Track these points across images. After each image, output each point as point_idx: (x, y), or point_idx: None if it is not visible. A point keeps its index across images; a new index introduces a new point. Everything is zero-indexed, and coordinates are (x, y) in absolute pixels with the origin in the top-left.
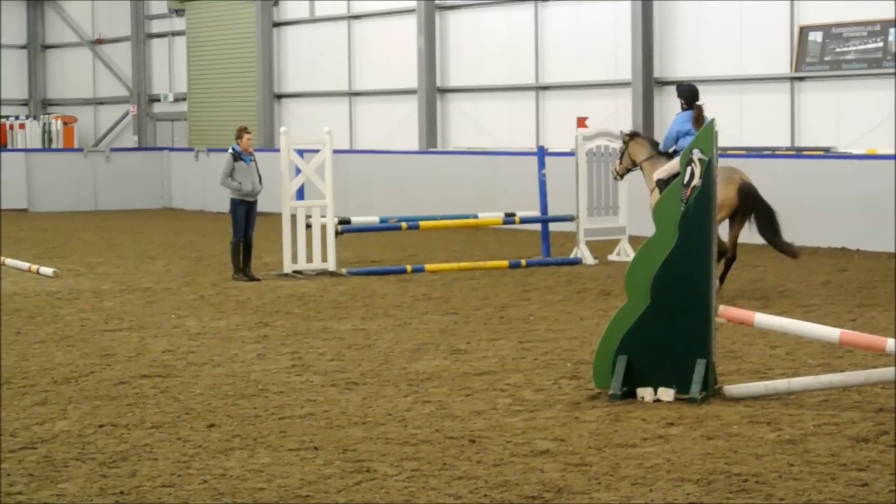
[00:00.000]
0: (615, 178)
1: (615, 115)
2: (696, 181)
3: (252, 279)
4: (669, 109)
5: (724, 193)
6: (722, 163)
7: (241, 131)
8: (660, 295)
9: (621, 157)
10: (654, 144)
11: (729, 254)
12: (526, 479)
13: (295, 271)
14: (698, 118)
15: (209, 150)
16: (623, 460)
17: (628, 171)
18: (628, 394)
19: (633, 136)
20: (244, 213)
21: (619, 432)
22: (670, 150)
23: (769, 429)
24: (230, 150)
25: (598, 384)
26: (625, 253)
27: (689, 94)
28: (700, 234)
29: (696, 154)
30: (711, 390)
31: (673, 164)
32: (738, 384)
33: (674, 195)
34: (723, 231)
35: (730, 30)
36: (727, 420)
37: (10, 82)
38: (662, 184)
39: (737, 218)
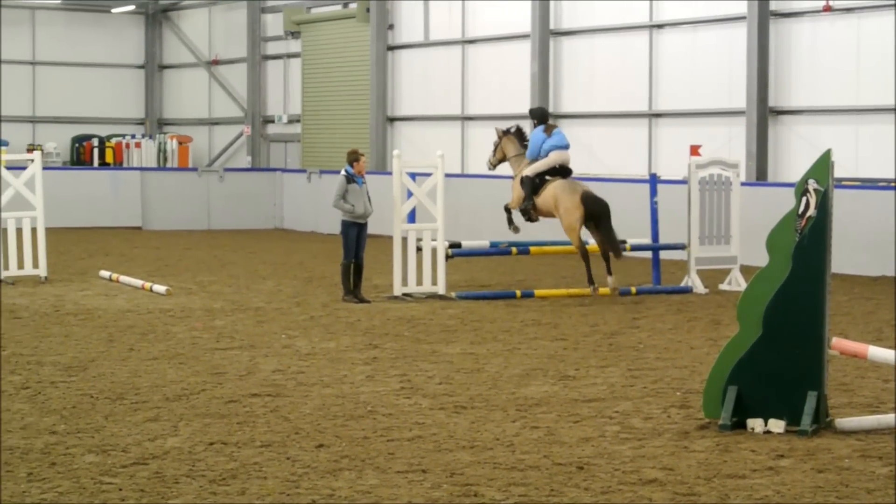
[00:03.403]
0: (489, 168)
1: (729, 143)
2: (812, 211)
3: (362, 301)
4: (784, 139)
5: (571, 200)
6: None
7: (357, 154)
8: (772, 325)
9: (495, 150)
10: (523, 143)
11: (603, 249)
12: None
13: (405, 294)
14: (548, 128)
15: (321, 172)
16: (732, 491)
17: (500, 162)
18: (738, 424)
19: (506, 132)
20: (355, 234)
21: (729, 463)
22: (535, 158)
23: (881, 463)
24: (343, 173)
25: (707, 414)
26: (736, 282)
27: (539, 114)
28: (814, 265)
29: (812, 184)
30: (823, 423)
31: (538, 165)
32: (849, 417)
33: (788, 225)
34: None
35: (846, 59)
36: (838, 453)
37: (127, 101)
38: (528, 180)
39: (590, 223)
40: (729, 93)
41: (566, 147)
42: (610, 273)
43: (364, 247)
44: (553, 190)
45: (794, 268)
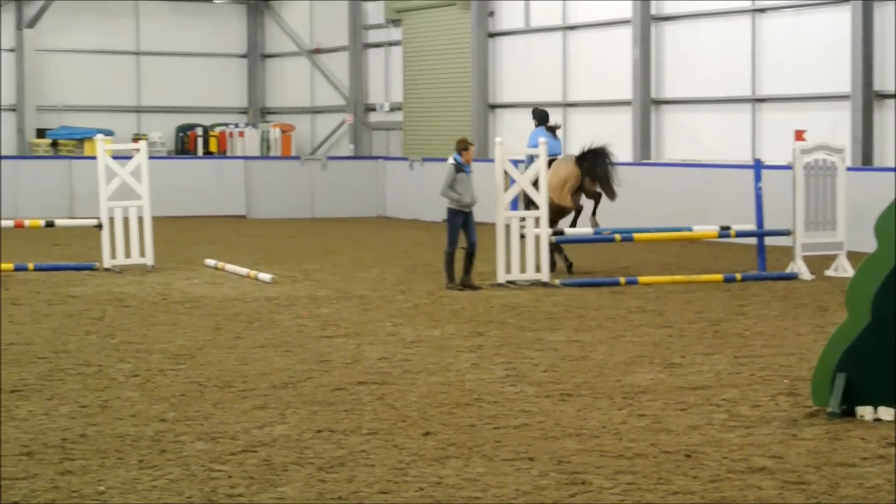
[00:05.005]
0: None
1: (833, 128)
2: None
3: (471, 287)
4: (890, 124)
5: (567, 168)
6: None
7: (467, 143)
8: (881, 312)
9: None
10: None
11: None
12: (743, 497)
13: (508, 281)
14: (552, 130)
15: (424, 160)
16: (842, 480)
17: None
18: (847, 412)
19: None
20: (461, 223)
21: (838, 451)
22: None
23: None
24: (452, 161)
25: (816, 401)
26: (842, 269)
27: (541, 116)
28: None
29: None
30: None
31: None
32: None
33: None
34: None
35: None
36: None
37: (230, 90)
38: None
39: (585, 180)
40: (833, 77)
41: (554, 156)
42: (593, 214)
43: (475, 231)
44: (552, 171)
45: None
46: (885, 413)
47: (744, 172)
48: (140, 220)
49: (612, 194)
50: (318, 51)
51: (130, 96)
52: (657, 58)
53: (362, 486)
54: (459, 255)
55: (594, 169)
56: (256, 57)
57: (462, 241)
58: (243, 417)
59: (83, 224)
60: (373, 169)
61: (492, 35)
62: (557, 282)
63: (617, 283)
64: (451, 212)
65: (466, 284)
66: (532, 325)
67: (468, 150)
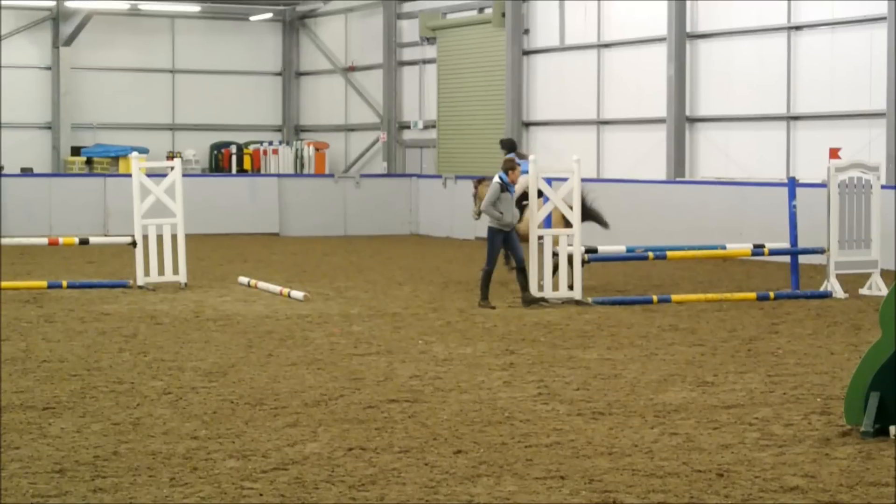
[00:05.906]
0: (474, 218)
1: (869, 146)
2: None
3: (535, 302)
4: None
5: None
6: None
7: (514, 163)
8: None
9: (475, 200)
10: None
11: None
12: None
13: (541, 299)
14: (520, 156)
15: (457, 178)
16: (875, 499)
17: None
18: (881, 431)
19: (481, 180)
20: (501, 242)
21: (872, 470)
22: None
23: None
24: (498, 180)
25: (849, 420)
26: (876, 287)
27: (509, 145)
28: None
29: None
30: None
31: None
32: None
33: None
34: None
35: None
36: None
37: (265, 108)
38: None
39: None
40: (869, 94)
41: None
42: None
43: (519, 248)
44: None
45: None
46: None
47: (778, 190)
48: (174, 237)
49: (606, 225)
50: (352, 68)
51: (165, 114)
52: (692, 75)
53: None
54: (499, 276)
55: (587, 214)
56: (291, 74)
57: (503, 260)
58: (275, 435)
59: (117, 241)
60: (406, 187)
61: (526, 53)
62: (590, 300)
63: (650, 301)
64: (492, 230)
65: (529, 301)
66: (564, 342)
67: (514, 170)
